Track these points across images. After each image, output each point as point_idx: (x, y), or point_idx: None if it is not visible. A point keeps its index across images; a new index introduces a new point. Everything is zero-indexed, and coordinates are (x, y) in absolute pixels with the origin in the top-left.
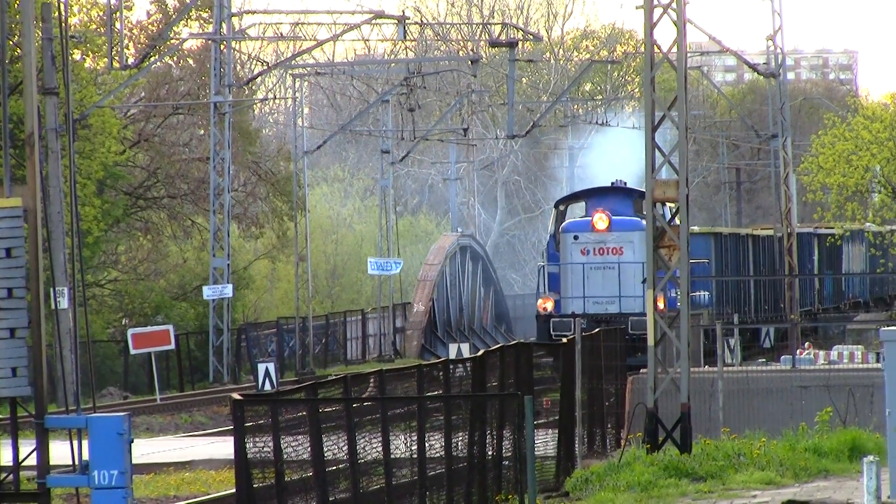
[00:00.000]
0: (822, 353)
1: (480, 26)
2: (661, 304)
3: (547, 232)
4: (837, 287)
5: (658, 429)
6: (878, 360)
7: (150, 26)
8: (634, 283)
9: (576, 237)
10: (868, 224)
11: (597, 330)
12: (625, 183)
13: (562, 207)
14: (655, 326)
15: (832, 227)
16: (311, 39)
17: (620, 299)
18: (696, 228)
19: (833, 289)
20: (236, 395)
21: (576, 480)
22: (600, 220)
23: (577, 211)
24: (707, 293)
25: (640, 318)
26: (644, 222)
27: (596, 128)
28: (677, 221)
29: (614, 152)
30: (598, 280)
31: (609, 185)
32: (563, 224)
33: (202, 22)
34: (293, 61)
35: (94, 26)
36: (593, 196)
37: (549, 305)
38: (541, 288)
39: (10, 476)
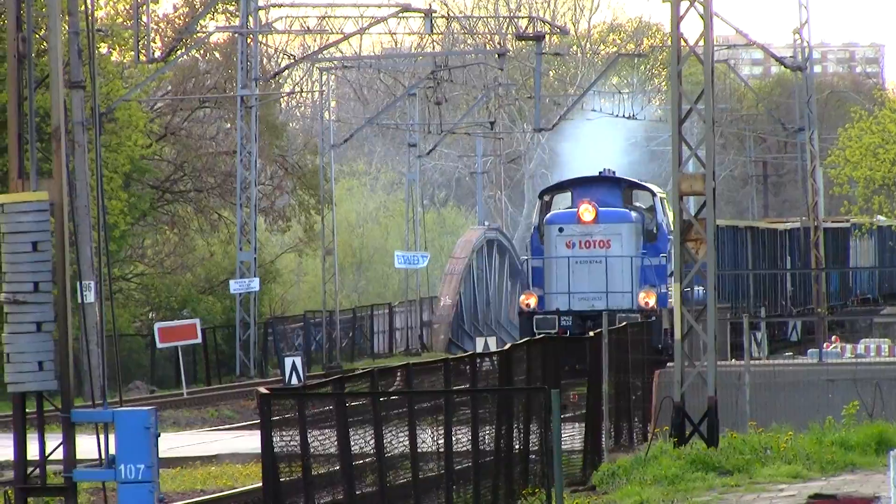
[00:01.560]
0: (849, 346)
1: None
2: (651, 301)
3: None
4: (844, 283)
5: (685, 422)
6: None
7: (176, 20)
8: (622, 278)
9: (561, 229)
10: (878, 217)
11: (623, 324)
12: (613, 172)
13: (547, 198)
14: (683, 320)
15: (839, 222)
16: (337, 33)
17: (608, 295)
18: None
19: (840, 285)
20: (263, 390)
21: (602, 474)
22: (586, 211)
23: (562, 202)
24: (701, 288)
25: (629, 315)
26: (633, 214)
27: (581, 115)
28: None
29: (598, 141)
30: (584, 275)
31: (597, 174)
32: (548, 215)
33: (229, 15)
34: (320, 55)
35: (121, 20)
36: (579, 186)
37: (532, 302)
38: (524, 283)
39: (37, 470)
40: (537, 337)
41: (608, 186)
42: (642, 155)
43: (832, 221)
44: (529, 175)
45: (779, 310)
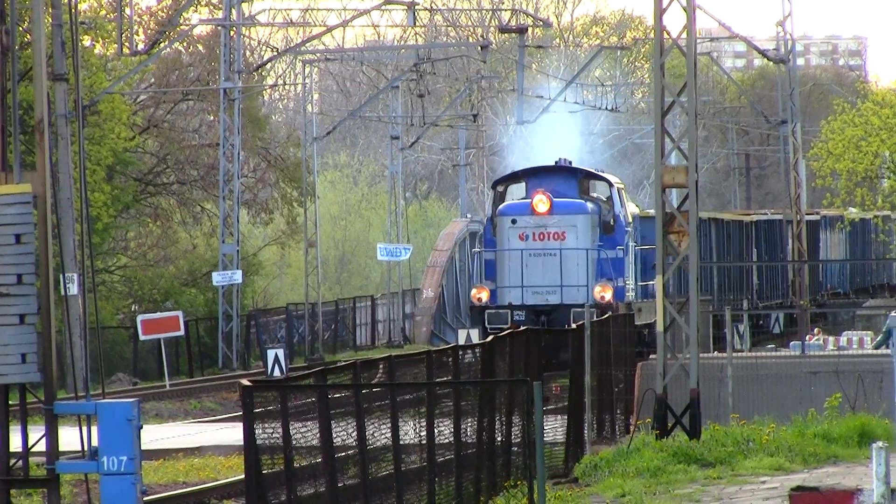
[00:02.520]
0: (831, 338)
1: (490, 12)
2: (607, 295)
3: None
4: (814, 277)
5: (667, 415)
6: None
7: (159, 12)
8: (578, 271)
9: (514, 221)
10: (850, 209)
11: (606, 316)
12: (570, 162)
13: (500, 188)
14: (665, 313)
15: (810, 215)
16: (320, 25)
17: (562, 289)
18: (651, 212)
19: (810, 279)
20: (246, 382)
21: (585, 466)
22: (541, 202)
23: (517, 192)
24: None
25: (584, 310)
26: (589, 205)
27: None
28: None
29: (556, 132)
30: (538, 268)
31: (552, 164)
32: (501, 206)
33: (212, 7)
34: (303, 47)
35: (104, 12)
36: (534, 176)
37: (484, 296)
38: (476, 276)
39: (20, 462)
40: (521, 329)
41: (564, 176)
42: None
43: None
44: (512, 167)
45: (744, 304)
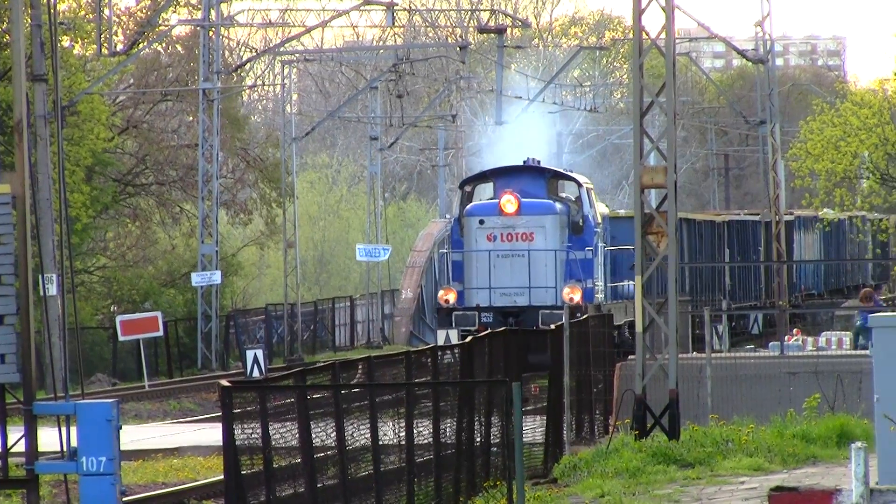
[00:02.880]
0: (810, 339)
1: (469, 13)
2: (576, 297)
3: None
4: (788, 278)
5: (646, 415)
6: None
7: (138, 13)
8: (546, 272)
9: (481, 221)
10: (826, 210)
11: (586, 316)
12: (538, 162)
13: (468, 188)
14: (644, 313)
15: (785, 215)
16: (299, 26)
17: (530, 290)
18: (621, 212)
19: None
20: (225, 382)
21: (564, 467)
22: (508, 202)
23: (484, 192)
24: (632, 282)
25: (553, 311)
26: (557, 205)
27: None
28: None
29: (526, 131)
30: (506, 269)
31: (521, 163)
32: (468, 206)
33: (191, 8)
34: (282, 48)
35: (83, 13)
36: (502, 176)
37: (452, 297)
38: (442, 277)
39: None
40: (499, 329)
41: (532, 176)
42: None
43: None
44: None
45: (715, 305)
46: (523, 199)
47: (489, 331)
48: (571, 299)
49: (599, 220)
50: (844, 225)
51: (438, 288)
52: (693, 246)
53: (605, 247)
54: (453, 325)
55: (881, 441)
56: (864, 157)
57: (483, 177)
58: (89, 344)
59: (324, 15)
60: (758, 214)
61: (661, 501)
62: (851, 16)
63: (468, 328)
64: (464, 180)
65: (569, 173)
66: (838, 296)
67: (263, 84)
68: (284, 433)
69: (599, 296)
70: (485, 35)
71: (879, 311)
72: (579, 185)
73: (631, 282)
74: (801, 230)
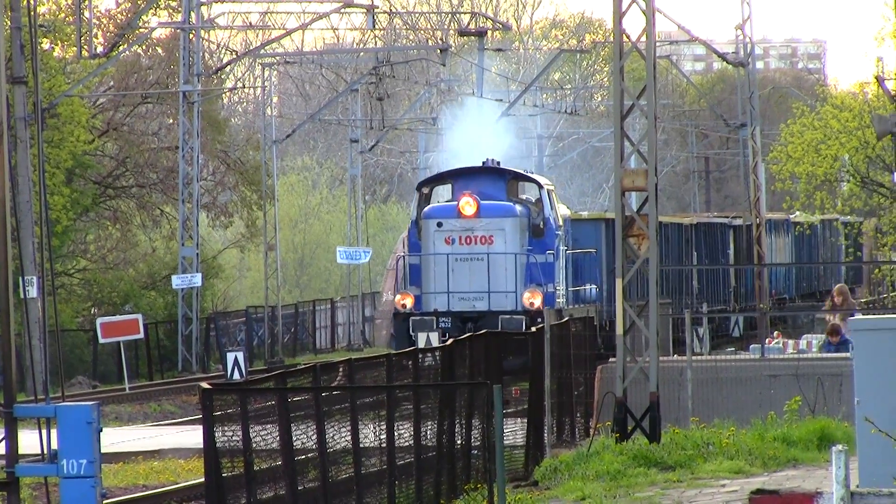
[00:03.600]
0: (791, 342)
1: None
2: (537, 302)
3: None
4: (761, 281)
5: (627, 418)
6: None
7: (118, 15)
8: (506, 276)
9: (439, 224)
10: (796, 213)
11: (566, 319)
12: (498, 163)
13: (426, 190)
14: (624, 315)
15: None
16: (280, 28)
17: (490, 295)
18: (584, 214)
19: (753, 284)
20: (205, 384)
21: (545, 469)
22: (467, 204)
23: (443, 194)
24: (594, 286)
25: (513, 317)
26: (517, 207)
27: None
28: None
29: (477, 129)
30: (465, 273)
31: (480, 164)
32: (426, 209)
33: (171, 11)
34: (262, 50)
35: (63, 15)
36: (461, 177)
37: (409, 302)
38: (399, 282)
39: None
40: (479, 332)
41: (491, 178)
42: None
43: (744, 218)
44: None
45: (678, 310)
46: (482, 202)
47: (470, 333)
48: (532, 304)
49: (561, 223)
50: (817, 228)
51: (395, 292)
52: (660, 249)
53: (566, 250)
54: (410, 330)
55: (862, 444)
56: (845, 161)
57: (441, 178)
58: (69, 346)
59: (304, 17)
60: (727, 217)
61: None
62: (832, 19)
63: (426, 334)
64: (421, 182)
65: (529, 174)
66: (811, 300)
67: (244, 87)
68: (265, 435)
69: (561, 300)
70: (465, 38)
71: (846, 347)
72: (540, 186)
73: (593, 286)
74: (772, 234)
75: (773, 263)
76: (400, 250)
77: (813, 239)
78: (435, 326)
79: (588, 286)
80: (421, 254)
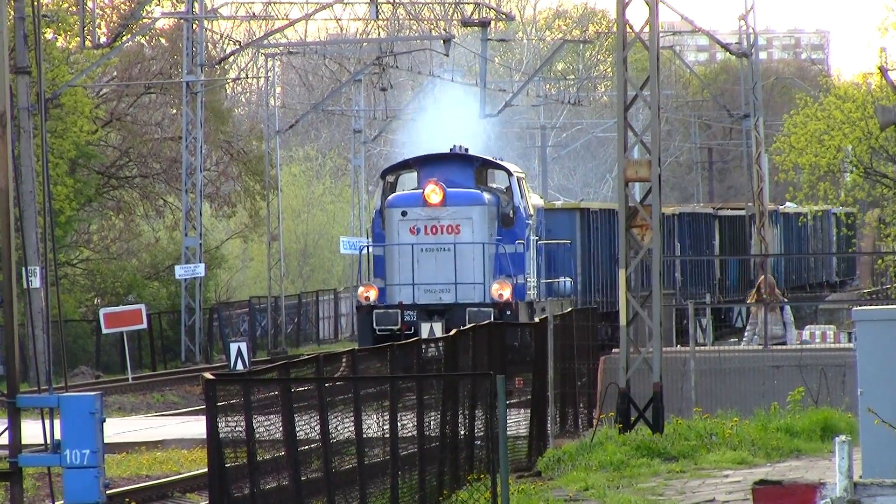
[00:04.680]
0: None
1: (453, 6)
2: (506, 294)
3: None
4: (745, 274)
5: (630, 409)
6: (850, 340)
7: (122, 5)
8: (473, 267)
9: (404, 213)
10: (787, 203)
11: (570, 310)
12: (466, 149)
13: (390, 178)
14: (628, 306)
15: (737, 209)
16: (283, 19)
17: (457, 287)
18: (557, 203)
19: (738, 275)
20: (208, 375)
21: (548, 460)
22: (433, 192)
23: (408, 182)
24: (569, 278)
25: (481, 309)
26: (486, 196)
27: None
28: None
29: (444, 114)
30: (431, 264)
31: (447, 151)
32: (390, 197)
33: (174, 1)
34: (265, 41)
35: (67, 5)
36: (427, 164)
37: (372, 294)
38: (363, 273)
39: None
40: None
41: (459, 165)
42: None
43: (730, 209)
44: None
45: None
46: (449, 189)
47: (473, 324)
48: (501, 296)
49: (532, 212)
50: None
51: (358, 285)
52: None
53: (537, 240)
54: (374, 324)
55: (865, 435)
56: (848, 151)
57: (406, 165)
58: (73, 336)
59: (307, 8)
60: (713, 207)
61: (645, 495)
62: (835, 10)
63: (389, 327)
64: (385, 169)
65: (499, 161)
66: (800, 292)
67: (247, 77)
68: (268, 426)
69: (532, 292)
70: (469, 28)
71: None
72: (510, 174)
73: (567, 278)
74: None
75: (778, 254)
76: None
77: (803, 231)
78: (399, 320)
79: (562, 278)
80: (385, 244)
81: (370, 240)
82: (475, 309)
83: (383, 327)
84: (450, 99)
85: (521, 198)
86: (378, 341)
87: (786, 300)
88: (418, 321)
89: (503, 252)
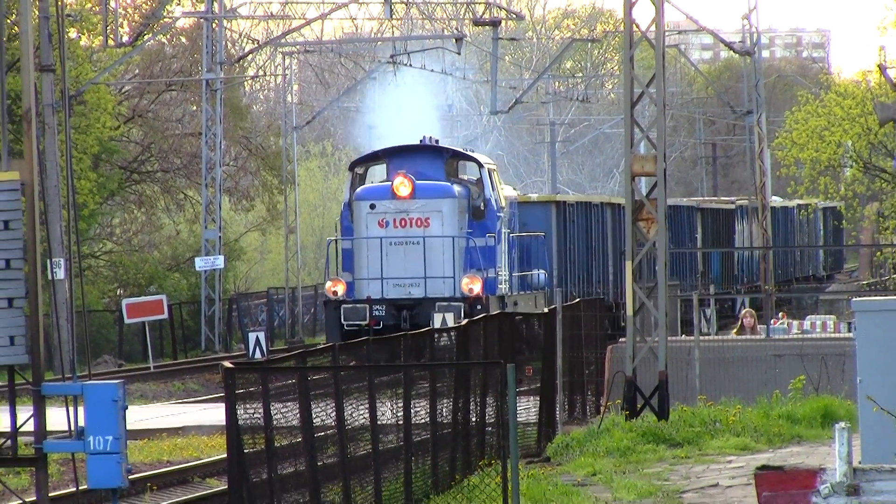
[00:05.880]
0: (795, 322)
1: (465, 5)
2: (476, 288)
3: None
4: (728, 268)
5: (636, 396)
6: (849, 330)
7: (143, 5)
8: (443, 261)
9: (372, 206)
10: (773, 198)
11: (577, 301)
12: (437, 141)
13: (359, 170)
14: (634, 297)
15: (724, 203)
16: (300, 18)
17: (426, 281)
18: (533, 196)
19: (721, 270)
20: (228, 364)
21: (557, 446)
22: (402, 184)
23: (378, 174)
24: (543, 271)
25: (450, 304)
26: (456, 188)
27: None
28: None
29: (409, 105)
30: (400, 258)
31: (417, 142)
32: (358, 190)
33: (194, 1)
34: (283, 39)
35: (90, 5)
36: (396, 156)
37: (340, 289)
38: (331, 268)
39: (9, 442)
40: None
41: (429, 157)
42: (575, 135)
43: (715, 203)
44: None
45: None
46: (418, 182)
47: (484, 314)
48: (471, 290)
49: (504, 204)
50: (793, 213)
51: (326, 279)
52: (617, 231)
53: (509, 233)
54: (342, 319)
55: (864, 422)
56: (848, 147)
57: (375, 157)
58: (96, 326)
59: (323, 7)
60: (695, 201)
61: (651, 480)
62: (835, 9)
63: (358, 323)
64: (354, 161)
65: (469, 153)
66: (786, 286)
67: (265, 74)
68: (286, 413)
69: (503, 286)
70: (480, 27)
71: None
72: (481, 165)
73: (542, 271)
74: (744, 219)
75: (781, 246)
76: None
77: (789, 224)
78: (368, 315)
79: (537, 271)
80: (353, 238)
81: (339, 233)
82: (445, 303)
83: (351, 322)
84: (409, 89)
85: (493, 190)
86: (346, 337)
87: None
88: (387, 316)
89: (473, 245)
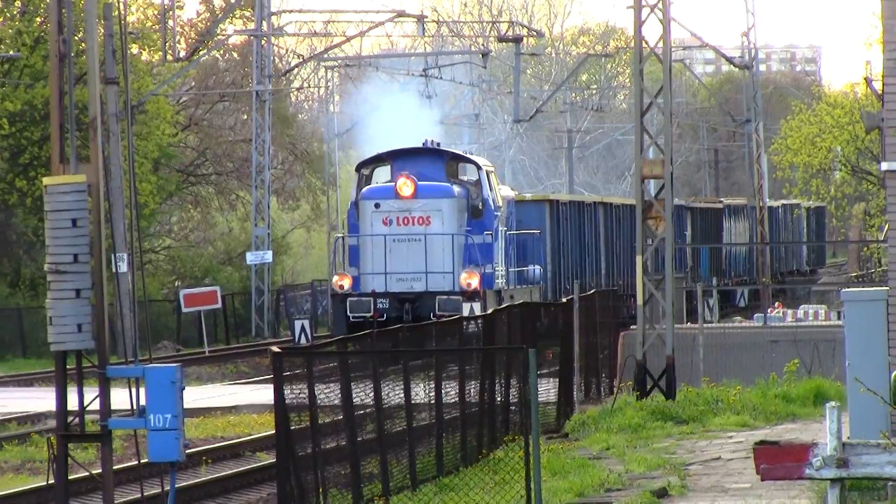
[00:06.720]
0: (790, 311)
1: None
2: (474, 283)
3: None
4: (716, 263)
5: (646, 378)
6: (839, 318)
7: (199, 23)
8: (443, 257)
9: (377, 205)
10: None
11: (592, 291)
12: (438, 144)
13: (365, 171)
14: (644, 288)
15: (713, 203)
16: (341, 35)
17: (427, 276)
18: (527, 196)
19: (710, 265)
20: (276, 349)
21: (574, 423)
22: (405, 185)
23: (382, 175)
24: (538, 267)
25: (450, 298)
26: (455, 188)
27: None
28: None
29: (402, 112)
30: (402, 254)
31: (420, 145)
32: (363, 189)
33: (245, 20)
34: (325, 55)
35: (150, 23)
36: (399, 158)
37: (346, 283)
38: (338, 263)
39: (77, 419)
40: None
41: (431, 159)
42: (590, 142)
43: (704, 202)
44: (509, 161)
45: (630, 289)
46: (420, 182)
47: (508, 304)
48: (469, 285)
49: (501, 204)
50: (778, 212)
51: (332, 273)
52: (609, 229)
53: (506, 231)
54: (347, 311)
55: (852, 401)
56: (838, 152)
57: (380, 159)
58: (156, 315)
59: (362, 26)
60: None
61: (660, 454)
62: (827, 27)
63: (363, 315)
64: (360, 163)
65: (468, 156)
66: (777, 280)
67: (309, 86)
68: (328, 393)
69: (500, 281)
70: (504, 43)
71: None
72: (479, 167)
73: (537, 266)
74: (731, 218)
75: (783, 242)
76: None
77: (774, 223)
78: (372, 308)
79: (532, 266)
80: (359, 234)
81: (346, 230)
82: (444, 297)
83: (357, 314)
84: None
85: (490, 190)
86: (351, 328)
87: None
88: (390, 308)
89: (472, 242)
